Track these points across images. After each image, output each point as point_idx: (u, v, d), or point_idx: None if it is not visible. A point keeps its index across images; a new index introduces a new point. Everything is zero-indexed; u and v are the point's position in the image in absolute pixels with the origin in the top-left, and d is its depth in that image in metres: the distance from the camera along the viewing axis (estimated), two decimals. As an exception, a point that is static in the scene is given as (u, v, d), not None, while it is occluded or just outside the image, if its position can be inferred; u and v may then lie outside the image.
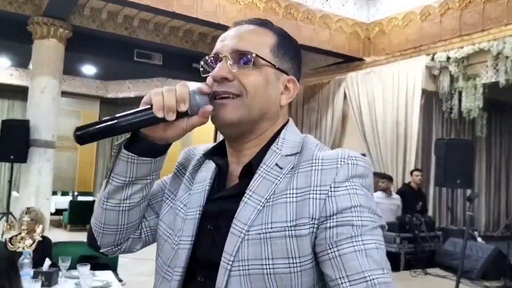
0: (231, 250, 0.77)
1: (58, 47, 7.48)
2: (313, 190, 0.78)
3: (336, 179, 0.79)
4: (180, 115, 0.81)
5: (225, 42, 0.87)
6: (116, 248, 0.94)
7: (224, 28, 0.94)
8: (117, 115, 0.79)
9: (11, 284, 1.85)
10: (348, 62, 8.84)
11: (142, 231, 0.95)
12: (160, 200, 0.95)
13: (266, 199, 0.80)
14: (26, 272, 2.93)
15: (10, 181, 8.22)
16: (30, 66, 7.98)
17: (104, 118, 0.79)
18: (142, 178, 0.86)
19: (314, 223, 0.77)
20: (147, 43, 8.47)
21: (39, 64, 7.45)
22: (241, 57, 0.84)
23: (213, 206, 0.85)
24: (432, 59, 7.46)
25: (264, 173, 0.82)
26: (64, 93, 9.23)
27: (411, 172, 6.90)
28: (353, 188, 0.78)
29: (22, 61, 10.10)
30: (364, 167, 0.81)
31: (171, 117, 0.79)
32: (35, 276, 2.85)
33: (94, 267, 2.96)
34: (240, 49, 0.84)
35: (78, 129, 0.77)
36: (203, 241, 0.83)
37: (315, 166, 0.81)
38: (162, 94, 0.79)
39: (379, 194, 6.36)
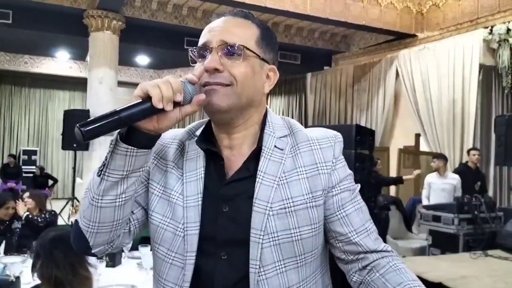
0: (260, 226, 0.88)
1: (112, 38, 7.78)
2: (320, 166, 0.95)
3: (334, 155, 0.97)
4: (174, 105, 0.84)
5: (213, 33, 0.93)
6: (108, 246, 0.95)
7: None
8: (117, 109, 0.80)
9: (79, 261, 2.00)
10: (400, 39, 8.58)
11: (131, 224, 0.98)
12: (143, 192, 0.98)
13: (279, 178, 0.92)
14: (92, 253, 3.13)
15: (74, 168, 8.73)
16: (88, 58, 8.36)
17: (105, 113, 0.79)
18: (137, 170, 0.88)
19: (325, 193, 0.94)
20: (196, 30, 8.57)
21: (96, 56, 7.79)
22: (230, 49, 0.91)
23: (227, 189, 0.92)
24: (491, 32, 7.07)
25: (268, 154, 0.94)
26: (121, 83, 9.58)
27: (468, 152, 6.64)
28: (343, 161, 0.99)
29: (80, 53, 10.58)
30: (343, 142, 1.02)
31: (170, 107, 0.82)
32: (99, 257, 3.05)
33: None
34: (229, 42, 0.91)
35: (82, 125, 0.77)
36: (220, 223, 0.90)
37: (314, 145, 0.97)
38: (158, 86, 0.81)
39: (432, 174, 6.18)
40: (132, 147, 0.84)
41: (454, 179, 6.18)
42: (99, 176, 0.87)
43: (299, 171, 0.93)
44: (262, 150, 0.93)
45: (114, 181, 0.87)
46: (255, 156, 0.93)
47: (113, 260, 3.00)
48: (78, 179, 8.81)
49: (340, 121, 9.71)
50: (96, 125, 0.78)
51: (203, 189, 0.92)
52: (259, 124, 0.97)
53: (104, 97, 7.64)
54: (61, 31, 8.29)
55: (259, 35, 0.95)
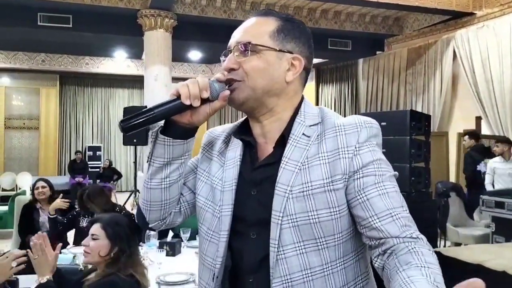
0: (279, 208, 0.94)
1: (165, 36, 8.01)
2: (342, 151, 0.96)
3: (359, 140, 0.97)
4: (203, 101, 0.97)
5: (234, 36, 1.04)
6: (162, 222, 1.11)
7: None
8: (152, 106, 0.94)
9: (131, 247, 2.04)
10: (456, 18, 8.18)
11: (181, 205, 1.12)
12: (193, 178, 1.11)
13: (301, 163, 0.96)
14: (153, 243, 3.30)
15: (135, 163, 9.14)
16: (143, 56, 8.68)
17: (142, 110, 0.94)
18: (177, 158, 1.02)
19: (345, 178, 0.95)
20: (245, 23, 8.65)
21: (151, 54, 8.07)
22: (243, 48, 1.00)
23: (256, 174, 1.01)
24: (558, 4, 6.61)
25: (295, 141, 0.99)
26: (175, 79, 9.83)
27: (535, 133, 6.28)
28: (372, 146, 0.98)
29: (136, 52, 10.97)
30: (377, 128, 1.01)
31: (197, 103, 0.95)
32: (160, 247, 3.20)
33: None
34: (241, 41, 1.00)
35: (122, 121, 0.93)
36: (249, 205, 0.99)
37: (339, 131, 0.99)
38: (187, 85, 0.95)
39: (496, 159, 5.90)
40: (169, 138, 0.99)
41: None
42: (147, 162, 1.04)
43: (321, 156, 0.96)
44: (290, 137, 0.99)
45: (159, 167, 1.02)
46: (283, 143, 1.00)
47: (173, 249, 3.15)
48: (139, 173, 9.20)
49: (393, 106, 9.45)
50: (134, 120, 0.93)
51: (238, 175, 1.02)
52: (289, 113, 1.03)
53: (159, 93, 7.89)
54: (118, 32, 8.60)
55: (275, 28, 1.01)
